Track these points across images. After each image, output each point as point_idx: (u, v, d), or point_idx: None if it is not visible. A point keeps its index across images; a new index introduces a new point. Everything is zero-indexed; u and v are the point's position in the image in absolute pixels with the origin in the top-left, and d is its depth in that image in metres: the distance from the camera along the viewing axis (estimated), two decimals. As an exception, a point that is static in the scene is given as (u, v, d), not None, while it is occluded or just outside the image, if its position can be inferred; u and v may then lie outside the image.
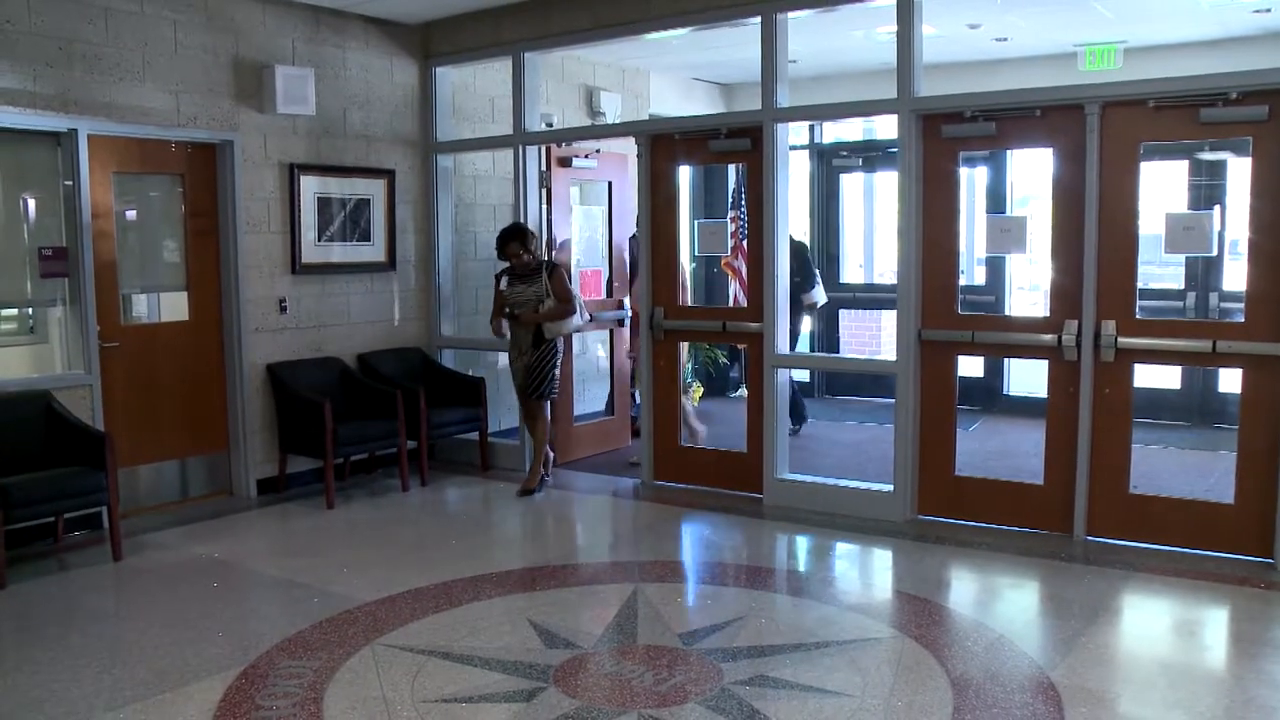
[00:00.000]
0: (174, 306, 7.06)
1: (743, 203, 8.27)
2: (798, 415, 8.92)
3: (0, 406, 5.89)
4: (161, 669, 4.34)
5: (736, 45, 8.31)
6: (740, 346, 9.23)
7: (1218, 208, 8.61)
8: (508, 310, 7.18)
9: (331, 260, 7.61)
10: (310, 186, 7.47)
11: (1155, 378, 8.63)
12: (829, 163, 11.06)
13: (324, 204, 7.59)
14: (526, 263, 7.12)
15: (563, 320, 7.17)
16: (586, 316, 7.60)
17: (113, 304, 6.60)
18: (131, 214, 6.84)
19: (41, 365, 6.48)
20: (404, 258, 8.13)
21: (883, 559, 5.95)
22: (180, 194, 6.96)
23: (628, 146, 8.14)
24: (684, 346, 7.80)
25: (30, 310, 6.59)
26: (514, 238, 7.11)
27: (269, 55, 7.18)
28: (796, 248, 8.08)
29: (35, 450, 5.90)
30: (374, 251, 7.93)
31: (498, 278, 7.30)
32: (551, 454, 7.63)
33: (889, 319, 10.70)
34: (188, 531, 6.42)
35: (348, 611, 4.96)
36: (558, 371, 7.31)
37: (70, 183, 6.28)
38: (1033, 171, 9.76)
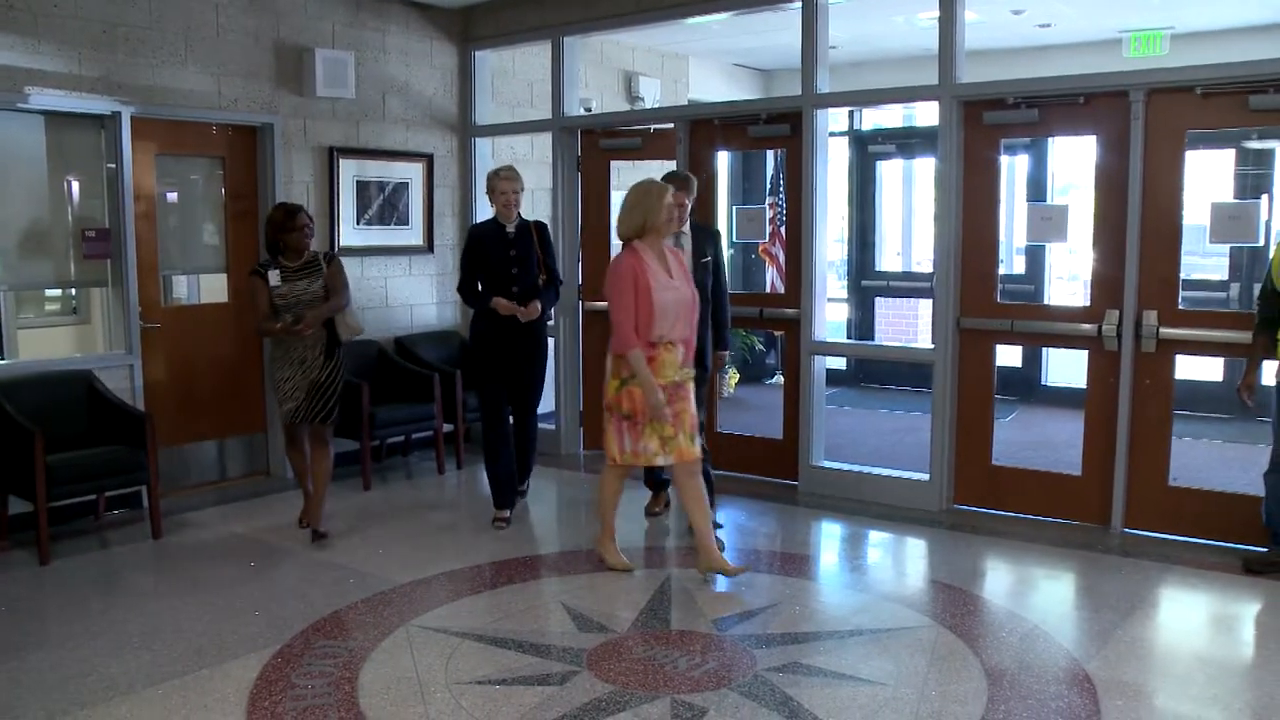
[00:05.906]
0: (214, 288, 7.12)
1: (781, 189, 8.24)
2: None
3: (44, 386, 5.97)
4: (199, 646, 4.40)
5: (776, 30, 8.26)
6: (777, 333, 9.22)
7: (1265, 197, 8.48)
8: (286, 315, 5.60)
9: (370, 243, 7.66)
10: (349, 170, 7.51)
11: (1196, 369, 8.52)
12: (867, 149, 10.99)
13: (362, 187, 7.62)
14: (307, 254, 5.77)
15: (352, 318, 5.87)
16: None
17: (154, 285, 6.67)
18: (173, 196, 6.91)
19: (84, 345, 6.57)
20: (442, 241, 8.16)
21: (918, 548, 5.92)
22: (221, 176, 7.02)
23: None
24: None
25: (74, 291, 6.68)
26: (305, 218, 5.73)
27: (309, 38, 7.21)
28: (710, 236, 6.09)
29: (78, 429, 5.97)
30: (412, 235, 7.97)
31: (262, 273, 5.67)
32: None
33: (925, 307, 10.64)
34: (226, 511, 6.50)
35: (383, 593, 5.00)
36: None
37: (113, 165, 6.34)
38: (1074, 159, 9.66)
